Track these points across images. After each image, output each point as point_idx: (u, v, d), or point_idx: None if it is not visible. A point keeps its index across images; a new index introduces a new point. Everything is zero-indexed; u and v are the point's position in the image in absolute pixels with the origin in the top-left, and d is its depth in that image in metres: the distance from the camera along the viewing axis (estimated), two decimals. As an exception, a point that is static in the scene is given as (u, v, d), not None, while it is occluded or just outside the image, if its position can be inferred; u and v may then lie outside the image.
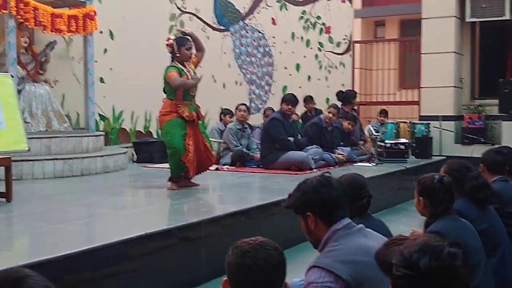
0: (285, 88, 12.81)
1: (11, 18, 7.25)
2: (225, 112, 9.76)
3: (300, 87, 13.00)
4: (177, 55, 6.20)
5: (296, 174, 7.53)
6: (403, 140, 9.43)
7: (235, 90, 11.88)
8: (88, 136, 8.06)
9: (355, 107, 10.38)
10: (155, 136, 10.13)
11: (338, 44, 13.81)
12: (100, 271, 3.64)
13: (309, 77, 13.32)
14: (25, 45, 8.03)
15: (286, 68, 12.88)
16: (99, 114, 9.47)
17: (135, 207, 5.12)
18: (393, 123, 11.50)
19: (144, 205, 5.26)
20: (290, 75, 12.98)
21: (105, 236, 3.98)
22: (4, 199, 5.30)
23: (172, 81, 6.03)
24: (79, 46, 8.65)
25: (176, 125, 6.09)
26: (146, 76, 9.48)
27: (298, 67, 13.12)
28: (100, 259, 3.63)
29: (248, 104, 11.95)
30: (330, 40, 13.72)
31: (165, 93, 6.28)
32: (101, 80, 9.50)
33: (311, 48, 13.36)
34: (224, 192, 6.36)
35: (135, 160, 9.19)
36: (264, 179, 7.26)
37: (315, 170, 7.92)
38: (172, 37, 6.34)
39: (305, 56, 13.19)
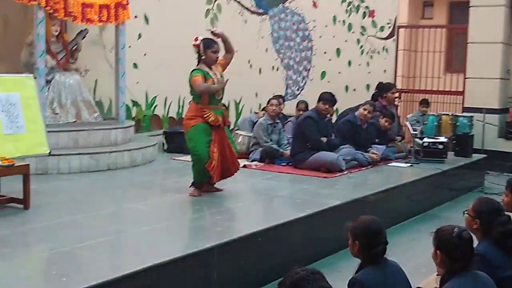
0: (323, 73, 12.48)
1: (40, 9, 7.13)
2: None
3: (339, 73, 12.68)
4: (203, 57, 6.00)
5: (326, 177, 7.30)
6: (441, 139, 9.05)
7: (271, 75, 11.62)
8: (117, 128, 7.96)
9: (395, 102, 9.97)
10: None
11: (382, 29, 13.32)
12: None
13: (349, 63, 12.93)
14: (56, 33, 7.93)
15: (325, 53, 12.51)
16: (132, 101, 9.38)
17: (150, 223, 5.00)
18: (434, 115, 11.09)
19: (159, 220, 5.12)
20: (330, 60, 12.61)
21: (111, 265, 3.88)
22: (22, 206, 5.25)
23: (196, 87, 5.84)
24: (113, 32, 8.50)
25: (201, 131, 5.92)
26: (180, 61, 9.23)
27: (338, 52, 12.73)
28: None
29: (284, 90, 11.76)
30: (374, 24, 13.24)
31: (191, 95, 6.11)
32: (135, 65, 9.37)
33: (353, 32, 12.93)
34: (246, 202, 6.19)
35: (165, 149, 9.07)
36: (291, 183, 7.07)
37: (345, 171, 7.69)
38: (200, 37, 6.12)
39: (346, 41, 12.78)
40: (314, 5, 12.24)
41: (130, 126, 8.32)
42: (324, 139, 7.84)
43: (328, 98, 7.89)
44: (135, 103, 9.47)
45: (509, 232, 3.62)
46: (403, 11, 15.02)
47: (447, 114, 11.17)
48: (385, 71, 12.81)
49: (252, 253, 4.70)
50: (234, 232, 4.77)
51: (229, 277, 4.47)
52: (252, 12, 11.24)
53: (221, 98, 6.12)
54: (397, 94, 9.71)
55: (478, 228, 3.83)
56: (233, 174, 6.28)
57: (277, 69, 11.83)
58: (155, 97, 9.78)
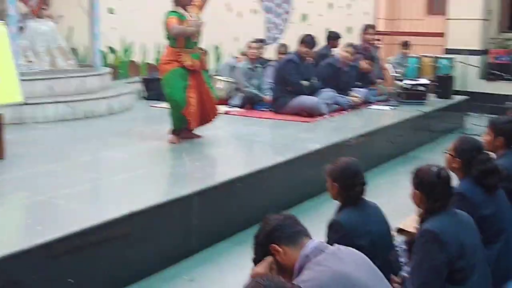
0: (304, 16, 12.25)
1: (9, -49, 6.86)
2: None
3: (320, 15, 12.45)
4: (177, -2, 5.82)
5: (306, 121, 7.24)
6: (422, 81, 8.99)
7: (251, 19, 11.40)
8: (93, 75, 7.80)
9: (376, 44, 9.82)
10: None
11: (362, -31, 13.03)
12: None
13: (330, 5, 12.69)
14: (27, -22, 7.67)
15: (305, -5, 12.25)
16: (108, 47, 9.18)
17: (129, 170, 4.92)
18: (415, 57, 10.99)
19: (138, 167, 5.05)
20: (310, 2, 12.35)
21: (91, 213, 3.82)
22: (-4, 156, 5.14)
23: (171, 29, 5.69)
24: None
25: (177, 75, 5.79)
26: (158, 5, 9.02)
27: (318, -7, 12.47)
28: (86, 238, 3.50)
29: (264, 34, 11.56)
30: (354, -37, 12.93)
31: (167, 39, 5.95)
32: (110, 10, 9.15)
33: (333, -26, 12.63)
34: (226, 148, 6.12)
35: (144, 96, 8.92)
36: (271, 128, 7.00)
37: (326, 115, 7.62)
38: (175, -22, 5.91)
39: (326, -18, 12.50)
40: None
41: (106, 73, 8.15)
42: (305, 83, 7.74)
43: (308, 41, 7.75)
44: (111, 50, 9.28)
45: (488, 170, 3.60)
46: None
47: (428, 56, 11.06)
48: (366, 13, 12.58)
49: (232, 199, 4.65)
50: (213, 179, 4.72)
51: (209, 224, 4.43)
52: (230, -47, 10.95)
53: (198, 41, 5.97)
54: (374, 36, 9.53)
55: (459, 167, 3.80)
56: (211, 120, 6.18)
57: (256, 12, 11.59)
58: (132, 43, 9.58)
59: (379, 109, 8.37)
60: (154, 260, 4.00)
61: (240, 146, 6.18)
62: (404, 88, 8.79)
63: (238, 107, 8.13)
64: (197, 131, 6.17)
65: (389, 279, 3.16)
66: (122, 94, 7.86)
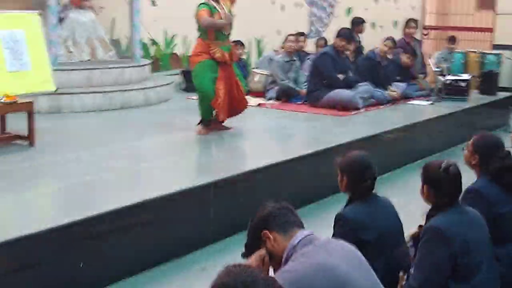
0: (349, 10, 12.13)
1: None
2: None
3: (366, 9, 12.30)
4: (209, -9, 5.85)
5: (340, 115, 7.18)
6: (464, 77, 8.77)
7: (295, 12, 11.34)
8: (132, 66, 7.92)
9: (420, 38, 9.64)
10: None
11: (410, -38, 12.83)
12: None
13: (376, -1, 12.55)
14: (70, -29, 7.85)
15: (351, -11, 12.14)
16: (150, 39, 9.30)
17: (154, 159, 5.01)
18: (461, 52, 10.73)
19: (164, 155, 5.13)
20: (356, -5, 12.25)
21: (109, 200, 3.91)
22: (27, 143, 5.29)
23: (201, 22, 5.73)
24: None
25: (207, 67, 5.83)
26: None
27: (364, -13, 12.34)
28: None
29: (308, 27, 11.50)
30: (402, -43, 12.75)
31: (198, 31, 5.99)
32: (153, 3, 9.26)
33: (380, -33, 12.49)
34: (253, 140, 6.12)
35: (183, 88, 9.01)
36: (303, 121, 6.95)
37: (362, 110, 7.53)
38: (207, -30, 5.95)
39: (373, -25, 12.37)
40: None
41: (145, 65, 8.26)
42: (341, 76, 7.66)
43: (344, 34, 7.67)
44: (153, 42, 9.39)
45: (507, 167, 3.50)
46: None
47: (474, 52, 10.78)
48: (413, 7, 12.38)
49: (252, 190, 4.65)
50: (233, 169, 4.72)
51: (226, 214, 4.45)
52: None
53: (229, 34, 5.99)
54: (415, 30, 9.33)
55: (477, 164, 3.72)
56: (241, 112, 6.21)
57: (301, 6, 11.53)
58: (174, 35, 9.66)
59: (417, 104, 8.21)
60: (169, 248, 4.06)
61: (266, 139, 6.17)
62: (445, 83, 8.59)
63: (274, 99, 8.13)
64: (228, 123, 6.20)
65: (396, 276, 3.12)
66: (160, 85, 7.95)
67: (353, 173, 3.30)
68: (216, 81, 5.82)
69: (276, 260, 2.44)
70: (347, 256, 2.40)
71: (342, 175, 3.34)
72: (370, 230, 3.17)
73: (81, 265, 3.52)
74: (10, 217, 3.76)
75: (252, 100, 8.03)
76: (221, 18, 5.81)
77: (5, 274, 3.19)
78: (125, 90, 7.45)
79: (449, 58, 10.56)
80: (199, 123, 6.04)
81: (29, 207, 3.92)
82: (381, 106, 7.88)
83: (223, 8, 5.88)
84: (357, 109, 7.48)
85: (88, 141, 5.67)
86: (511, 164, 3.51)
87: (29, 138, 5.26)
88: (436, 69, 8.73)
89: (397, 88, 8.30)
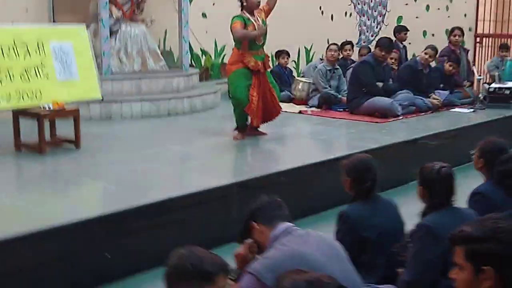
0: (399, 18, 12.20)
1: (103, -37, 7.55)
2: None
3: (417, 17, 12.35)
4: (244, 4, 6.16)
5: (378, 122, 7.32)
6: (509, 85, 8.73)
7: (344, 21, 11.52)
8: (179, 76, 8.33)
9: (469, 45, 9.63)
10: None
11: (463, -29, 12.79)
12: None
13: (427, 7, 12.55)
14: (123, -14, 8.34)
15: (402, -4, 12.23)
16: (201, 49, 9.70)
17: (190, 161, 5.37)
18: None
19: (199, 158, 5.50)
20: (406, 4, 12.30)
21: (129, 198, 4.27)
22: (74, 146, 5.75)
23: (234, 33, 6.05)
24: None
25: (241, 75, 6.14)
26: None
27: (415, -4, 12.40)
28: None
29: (357, 36, 11.66)
30: (454, -33, 12.73)
31: (234, 41, 6.31)
32: (203, 15, 9.66)
33: (432, -24, 12.51)
34: (286, 145, 6.39)
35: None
36: (339, 127, 7.15)
37: (401, 117, 7.65)
38: (242, -16, 6.27)
39: (424, -16, 12.41)
40: (391, -52, 11.93)
41: (193, 74, 8.65)
42: (380, 84, 7.82)
43: (384, 44, 7.82)
44: (204, 52, 9.79)
45: (509, 171, 3.63)
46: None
47: (526, 59, 10.65)
48: (465, 15, 12.33)
49: (275, 192, 4.87)
50: (259, 171, 5.00)
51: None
52: (324, -40, 11.14)
53: (263, 44, 6.28)
54: (461, 38, 9.35)
55: (483, 167, 3.87)
56: (274, 118, 6.49)
57: (350, 15, 11.71)
58: (224, 46, 10.04)
59: (459, 112, 8.24)
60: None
61: (299, 144, 6.40)
62: (489, 91, 8.59)
63: (316, 107, 8.36)
64: (266, 128, 6.49)
65: (396, 273, 3.31)
66: (205, 93, 8.32)
67: (355, 174, 3.54)
68: (250, 88, 6.12)
69: (262, 248, 2.73)
70: (323, 247, 2.65)
71: (346, 176, 3.58)
72: (370, 228, 3.38)
73: (107, 255, 3.88)
74: (52, 209, 4.18)
75: (294, 108, 8.32)
76: (254, 29, 6.10)
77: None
78: (171, 98, 7.85)
79: (501, 66, 10.49)
80: (235, 129, 6.36)
81: (68, 201, 4.35)
82: (422, 114, 7.97)
83: (257, 19, 6.17)
84: (396, 116, 7.61)
85: (129, 145, 6.10)
86: (512, 168, 3.64)
87: (76, 142, 5.71)
88: (479, 77, 8.73)
89: (440, 96, 8.36)
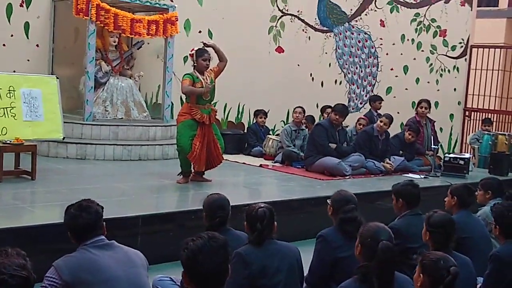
0: (389, 89, 12.91)
1: (92, 23, 8.59)
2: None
3: (406, 89, 13.03)
4: (195, 64, 7.02)
5: (323, 179, 7.98)
6: (464, 156, 9.28)
7: (334, 88, 12.29)
8: (157, 125, 9.21)
9: (429, 117, 10.21)
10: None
11: (453, 48, 13.48)
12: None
13: (417, 80, 13.23)
14: (114, 43, 9.36)
15: (392, 69, 12.95)
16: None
17: (120, 195, 6.15)
18: (490, 134, 11.15)
19: (130, 194, 6.27)
20: (396, 76, 13.02)
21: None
22: (29, 177, 6.63)
23: (182, 88, 6.90)
24: (179, 44, 9.63)
25: (187, 126, 6.94)
26: (242, 73, 10.35)
27: (406, 69, 13.10)
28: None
29: (346, 103, 12.38)
30: (445, 43, 13.43)
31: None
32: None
33: (422, 51, 13.23)
34: (215, 191, 7.07)
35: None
36: (280, 180, 7.86)
37: (348, 177, 8.27)
38: (196, 48, 7.15)
39: (414, 59, 13.12)
40: (382, 24, 12.76)
41: (172, 125, 9.50)
42: (333, 146, 8.50)
43: (339, 110, 8.56)
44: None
45: (348, 219, 4.28)
46: (500, 32, 14.92)
47: (503, 134, 11.16)
48: (454, 89, 12.93)
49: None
50: (163, 208, 5.78)
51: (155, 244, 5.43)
52: (316, 30, 12.03)
53: (210, 100, 7.10)
54: (427, 110, 9.99)
55: (332, 214, 4.53)
56: (216, 166, 7.26)
57: (340, 83, 12.48)
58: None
59: (410, 177, 8.76)
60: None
61: (231, 191, 7.04)
62: (444, 160, 9.14)
63: (279, 162, 9.10)
64: (212, 176, 7.24)
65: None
66: (178, 143, 9.14)
67: (208, 210, 4.24)
68: (194, 137, 6.90)
69: None
70: (122, 259, 3.34)
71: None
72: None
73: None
74: None
75: (258, 161, 9.09)
76: (202, 87, 6.94)
77: None
78: (144, 145, 8.71)
79: (481, 139, 11.03)
80: (179, 174, 7.13)
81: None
82: (372, 176, 8.57)
83: (206, 78, 7.01)
84: (344, 175, 8.26)
85: (82, 180, 6.93)
86: (353, 217, 4.28)
87: (32, 173, 6.58)
88: (433, 147, 9.32)
89: (394, 161, 8.96)
